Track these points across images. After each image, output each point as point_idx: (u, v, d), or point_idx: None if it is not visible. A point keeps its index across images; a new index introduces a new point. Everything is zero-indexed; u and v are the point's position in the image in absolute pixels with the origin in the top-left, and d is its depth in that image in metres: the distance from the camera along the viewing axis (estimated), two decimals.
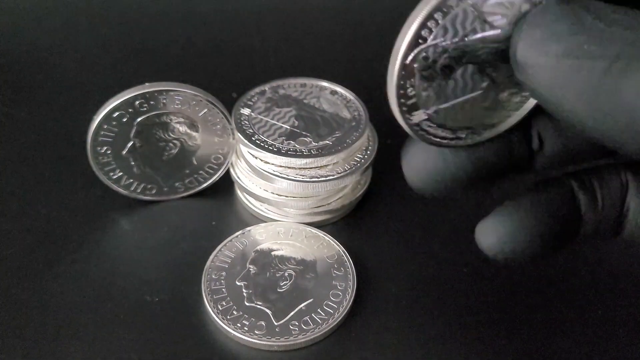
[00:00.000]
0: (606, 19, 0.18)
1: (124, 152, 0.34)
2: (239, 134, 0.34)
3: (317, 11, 0.53)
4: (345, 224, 0.36)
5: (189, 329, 0.30)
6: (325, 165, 0.33)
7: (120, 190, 0.35)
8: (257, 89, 0.37)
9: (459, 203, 0.36)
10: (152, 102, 0.33)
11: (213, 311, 0.30)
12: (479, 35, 0.20)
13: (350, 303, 0.30)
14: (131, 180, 0.34)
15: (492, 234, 0.23)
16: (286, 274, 0.31)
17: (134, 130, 0.33)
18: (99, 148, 0.33)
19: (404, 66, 0.20)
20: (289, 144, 0.33)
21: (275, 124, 0.35)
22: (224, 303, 0.30)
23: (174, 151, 0.35)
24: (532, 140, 0.24)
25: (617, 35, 0.18)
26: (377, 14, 0.52)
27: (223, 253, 0.32)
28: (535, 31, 0.19)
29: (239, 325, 0.29)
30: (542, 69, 0.18)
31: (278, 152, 0.33)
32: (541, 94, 0.19)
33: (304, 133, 0.34)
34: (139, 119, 0.33)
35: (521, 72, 0.19)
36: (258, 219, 0.35)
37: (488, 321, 0.31)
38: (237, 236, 0.33)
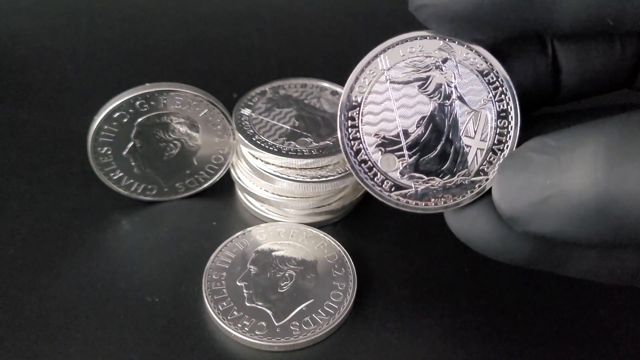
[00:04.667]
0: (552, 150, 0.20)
1: (125, 153, 0.33)
2: (239, 135, 0.34)
3: (317, 11, 0.53)
4: (345, 224, 0.36)
5: (190, 329, 0.30)
6: (326, 166, 0.33)
7: (121, 190, 0.34)
8: (258, 89, 0.37)
9: None
10: (152, 103, 0.33)
11: (214, 312, 0.30)
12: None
13: (351, 303, 0.30)
14: (132, 181, 0.34)
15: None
16: (287, 275, 0.31)
17: (134, 131, 0.33)
18: (99, 148, 0.33)
19: None
20: (289, 144, 0.33)
21: (276, 124, 0.35)
22: (224, 303, 0.30)
23: (175, 152, 0.35)
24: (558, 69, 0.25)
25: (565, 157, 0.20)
26: (378, 14, 0.52)
27: (223, 253, 0.32)
28: (510, 188, 0.21)
29: (239, 325, 0.29)
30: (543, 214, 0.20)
31: (278, 152, 0.33)
32: (566, 229, 0.20)
33: (304, 133, 0.34)
34: (139, 120, 0.33)
35: (526, 222, 0.21)
36: (258, 220, 0.35)
37: (489, 321, 0.31)
38: (237, 237, 0.33)
